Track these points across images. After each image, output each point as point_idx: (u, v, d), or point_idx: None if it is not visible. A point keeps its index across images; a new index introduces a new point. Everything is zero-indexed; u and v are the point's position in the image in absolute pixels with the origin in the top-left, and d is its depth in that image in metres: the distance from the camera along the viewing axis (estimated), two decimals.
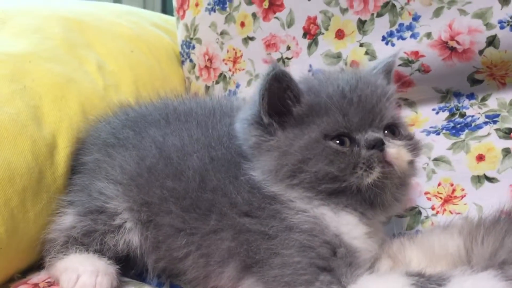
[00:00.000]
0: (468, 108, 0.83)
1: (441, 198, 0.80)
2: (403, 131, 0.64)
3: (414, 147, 0.62)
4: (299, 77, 0.67)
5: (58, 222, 0.69)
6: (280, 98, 0.60)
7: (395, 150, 0.59)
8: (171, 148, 0.69)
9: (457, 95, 0.85)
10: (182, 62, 1.18)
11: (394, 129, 0.63)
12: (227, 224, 0.62)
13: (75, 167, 0.76)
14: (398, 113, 0.65)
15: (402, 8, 0.84)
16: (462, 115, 0.84)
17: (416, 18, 0.84)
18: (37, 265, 0.71)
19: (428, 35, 0.82)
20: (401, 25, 0.85)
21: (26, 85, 0.79)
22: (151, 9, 1.87)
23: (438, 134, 0.84)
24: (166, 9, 1.95)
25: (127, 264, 0.70)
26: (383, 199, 0.60)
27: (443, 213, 0.79)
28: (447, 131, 0.84)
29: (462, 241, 0.58)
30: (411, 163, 0.62)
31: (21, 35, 0.91)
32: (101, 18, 1.11)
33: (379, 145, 0.58)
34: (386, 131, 0.62)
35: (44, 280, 0.67)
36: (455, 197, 0.79)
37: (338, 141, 0.59)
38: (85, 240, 0.68)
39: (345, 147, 0.59)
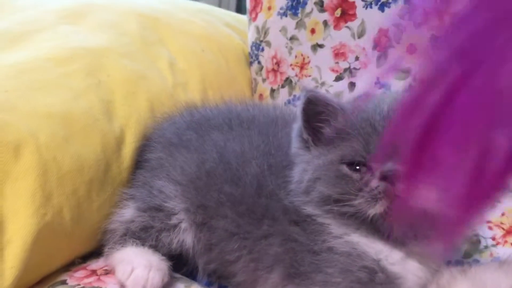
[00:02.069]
0: None
1: (503, 229, 0.76)
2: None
3: None
4: (355, 97, 0.67)
5: (119, 214, 0.73)
6: (315, 119, 0.62)
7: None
8: (231, 153, 0.70)
9: None
10: (250, 63, 1.20)
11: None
12: (278, 230, 0.64)
13: (139, 162, 0.79)
14: None
15: None
16: None
17: None
18: (97, 252, 0.75)
19: None
20: None
21: (101, 79, 0.83)
22: (226, 7, 1.90)
23: None
24: (241, 8, 1.97)
25: (179, 261, 0.73)
26: (393, 234, 0.58)
27: (503, 245, 0.75)
28: None
29: None
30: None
31: (100, 30, 0.96)
32: (175, 15, 1.14)
33: (391, 179, 0.55)
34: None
35: (102, 268, 0.71)
36: None
37: (356, 167, 0.58)
38: (142, 235, 0.71)
39: (356, 174, 0.58)
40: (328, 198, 0.60)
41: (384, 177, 0.56)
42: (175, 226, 0.70)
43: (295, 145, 0.65)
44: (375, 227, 0.58)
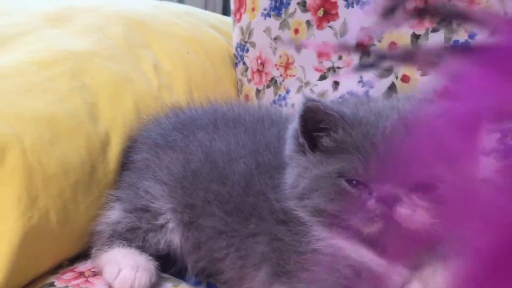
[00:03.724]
0: None
1: None
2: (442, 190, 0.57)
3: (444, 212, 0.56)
4: (351, 102, 0.65)
5: (105, 216, 0.73)
6: (314, 127, 0.60)
7: (407, 211, 0.55)
8: (218, 153, 0.71)
9: None
10: (236, 65, 1.20)
11: (429, 188, 0.57)
12: (265, 229, 0.64)
13: (125, 164, 0.80)
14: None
15: (458, 25, 0.83)
16: None
17: (472, 35, 0.82)
18: (84, 254, 0.75)
19: None
20: (456, 42, 0.83)
21: (85, 82, 0.83)
22: (212, 9, 1.91)
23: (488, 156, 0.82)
24: (227, 9, 1.98)
25: (167, 261, 0.73)
26: (387, 252, 0.58)
27: None
28: (497, 154, 0.81)
29: None
30: (436, 226, 0.56)
31: (85, 33, 0.96)
32: (160, 18, 1.15)
33: (389, 202, 0.55)
34: (417, 188, 0.57)
35: (90, 269, 0.71)
36: None
37: (353, 183, 0.57)
38: (128, 236, 0.71)
39: (355, 189, 0.57)
40: (322, 211, 0.59)
41: (381, 199, 0.56)
42: (162, 226, 0.71)
43: (290, 147, 0.64)
44: (365, 241, 0.58)
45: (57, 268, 0.72)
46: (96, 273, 0.70)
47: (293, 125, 0.64)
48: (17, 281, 0.64)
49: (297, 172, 0.62)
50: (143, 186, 0.73)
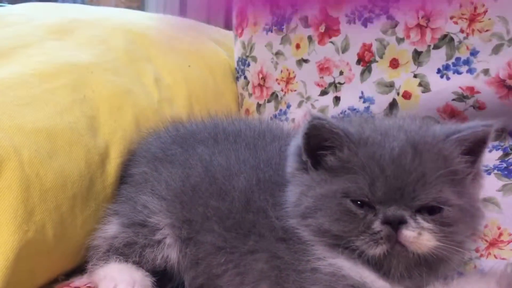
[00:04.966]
0: None
1: (486, 241, 0.77)
2: (448, 212, 0.57)
3: (449, 234, 0.57)
4: (356, 120, 0.64)
5: (103, 230, 0.73)
6: (318, 145, 0.60)
7: (413, 233, 0.55)
8: (217, 167, 0.71)
9: None
10: (237, 79, 1.20)
11: (434, 210, 0.57)
12: (264, 246, 0.63)
13: (123, 177, 0.79)
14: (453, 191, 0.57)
15: (460, 42, 0.83)
16: None
17: (474, 53, 0.81)
18: (80, 269, 0.74)
19: (486, 71, 0.80)
20: (457, 59, 0.83)
21: (86, 95, 0.83)
22: (215, 23, 1.91)
23: (489, 174, 0.81)
24: (229, 23, 1.98)
25: (164, 277, 0.72)
26: (390, 274, 0.57)
27: (487, 257, 0.76)
28: (499, 172, 0.81)
29: None
30: (441, 248, 0.56)
31: (87, 46, 0.96)
32: (162, 32, 1.15)
33: (394, 224, 0.55)
34: (422, 210, 0.57)
35: (85, 284, 0.70)
36: (502, 241, 0.76)
37: (359, 203, 0.57)
38: (125, 251, 0.70)
39: (360, 210, 0.57)
40: (326, 231, 0.58)
41: (387, 221, 0.56)
42: (159, 241, 0.70)
43: (292, 164, 0.64)
44: (369, 262, 0.58)
45: (53, 283, 0.71)
46: None
47: (296, 142, 0.63)
48: None
49: (300, 190, 0.61)
50: (141, 200, 0.72)
